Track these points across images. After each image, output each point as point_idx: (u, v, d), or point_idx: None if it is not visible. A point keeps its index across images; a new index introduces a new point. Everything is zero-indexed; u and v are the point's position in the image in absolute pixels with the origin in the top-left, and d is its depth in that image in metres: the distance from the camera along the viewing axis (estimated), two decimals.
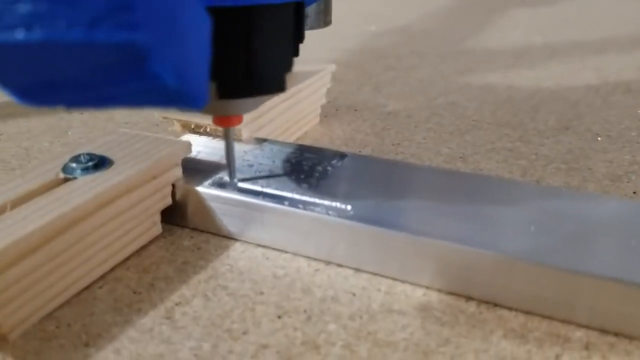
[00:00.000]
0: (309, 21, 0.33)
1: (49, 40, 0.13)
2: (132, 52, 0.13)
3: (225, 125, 0.25)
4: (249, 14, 0.20)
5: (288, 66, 0.23)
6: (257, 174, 0.26)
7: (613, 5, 0.80)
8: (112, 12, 0.12)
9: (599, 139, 0.35)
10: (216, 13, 0.18)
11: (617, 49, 0.58)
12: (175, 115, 0.31)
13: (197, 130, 0.31)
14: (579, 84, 0.47)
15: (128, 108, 0.22)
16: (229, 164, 0.26)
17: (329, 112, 0.40)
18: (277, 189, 0.25)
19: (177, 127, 0.32)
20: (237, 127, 0.30)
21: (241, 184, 0.25)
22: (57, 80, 0.14)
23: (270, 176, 0.26)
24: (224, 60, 0.20)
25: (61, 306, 0.21)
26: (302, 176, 0.26)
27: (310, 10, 0.33)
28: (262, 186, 0.25)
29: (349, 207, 0.23)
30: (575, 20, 0.73)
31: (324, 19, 0.23)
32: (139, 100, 0.15)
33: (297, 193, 0.25)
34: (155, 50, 0.13)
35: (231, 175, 0.26)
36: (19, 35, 0.13)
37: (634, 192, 0.29)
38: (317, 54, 0.52)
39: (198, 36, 0.16)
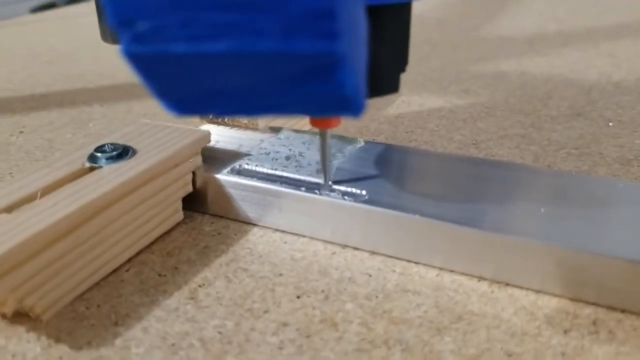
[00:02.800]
0: None
1: (236, 51, 0.12)
2: (325, 61, 0.12)
3: (323, 127, 0.23)
4: (375, 14, 0.20)
5: (404, 66, 0.22)
6: (275, 162, 0.27)
7: None
8: (311, 20, 0.12)
9: (610, 124, 0.36)
10: None
11: (632, 35, 0.58)
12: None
13: (215, 120, 0.32)
14: (593, 71, 0.47)
15: (282, 115, 0.21)
16: (324, 167, 0.24)
17: None
18: (293, 175, 0.26)
19: (195, 116, 0.32)
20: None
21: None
22: (222, 90, 0.14)
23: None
24: None
25: (90, 288, 0.22)
26: (318, 162, 0.27)
27: None
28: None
29: (364, 192, 0.24)
30: (589, 6, 0.72)
31: None
32: (302, 109, 0.15)
33: (314, 179, 0.25)
34: (346, 58, 0.13)
35: (326, 177, 0.25)
36: (204, 45, 0.12)
37: None
38: None
39: (363, 40, 0.15)
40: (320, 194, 0.24)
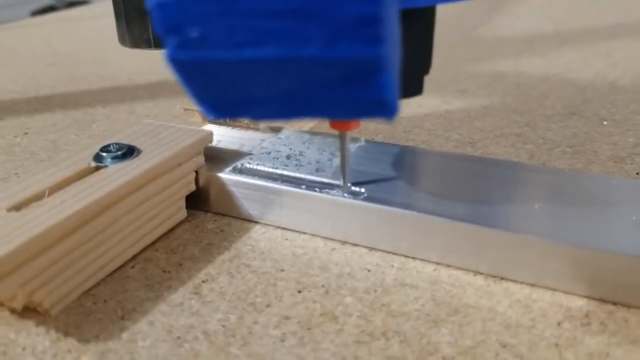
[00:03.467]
0: None
1: (281, 57, 0.12)
2: (368, 66, 0.13)
3: (343, 129, 0.24)
4: (402, 17, 0.20)
5: (427, 68, 0.22)
6: (275, 161, 0.28)
7: None
8: (357, 26, 0.12)
9: (604, 123, 0.36)
10: None
11: (629, 35, 0.59)
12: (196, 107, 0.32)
13: (216, 120, 0.33)
14: (589, 70, 0.47)
15: (316, 119, 0.21)
16: (343, 169, 0.25)
17: None
18: (294, 173, 0.26)
19: (197, 117, 0.33)
20: None
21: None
22: (262, 95, 0.14)
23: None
24: None
25: (97, 284, 0.23)
26: (318, 161, 0.27)
27: None
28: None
29: (362, 190, 0.25)
30: (587, 6, 0.73)
31: None
32: (338, 113, 0.15)
33: (314, 177, 0.26)
34: (387, 63, 0.13)
35: (345, 179, 0.25)
36: (250, 52, 0.12)
37: (637, 173, 0.30)
38: None
39: (397, 44, 0.16)
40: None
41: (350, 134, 0.25)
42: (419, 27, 0.21)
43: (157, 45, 0.26)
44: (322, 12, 0.12)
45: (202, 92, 0.15)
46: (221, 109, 0.15)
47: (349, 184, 0.25)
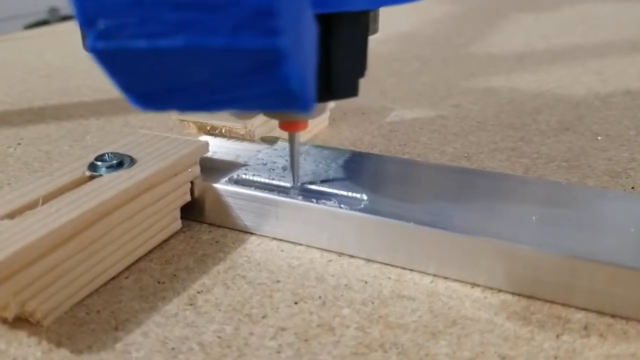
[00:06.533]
0: None
1: (190, 47, 0.14)
2: (270, 56, 0.14)
3: (292, 131, 0.25)
4: (333, 21, 0.21)
5: (362, 71, 0.23)
6: (272, 172, 0.27)
7: (613, 11, 0.81)
8: (255, 18, 0.13)
9: (598, 138, 0.37)
10: None
11: (618, 53, 0.59)
12: (192, 118, 0.32)
13: (212, 132, 0.32)
14: (580, 87, 0.48)
15: (239, 111, 0.22)
16: (293, 170, 0.26)
17: (337, 116, 0.41)
18: (290, 184, 0.26)
19: (193, 129, 0.33)
20: (251, 128, 0.32)
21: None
22: (181, 85, 0.15)
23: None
24: None
25: (90, 295, 0.23)
26: (314, 172, 0.27)
27: None
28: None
29: (360, 201, 0.25)
30: (576, 25, 0.74)
31: (373, 27, 0.25)
32: (254, 104, 0.16)
33: (310, 187, 0.26)
34: (290, 54, 0.14)
35: (294, 180, 0.26)
36: (161, 42, 0.14)
37: (632, 187, 0.30)
38: None
39: (311, 41, 0.17)
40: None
41: (299, 135, 0.26)
42: (351, 31, 0.22)
43: None
44: (225, 4, 0.13)
45: (125, 82, 0.15)
46: (146, 100, 0.16)
47: (299, 184, 0.26)
